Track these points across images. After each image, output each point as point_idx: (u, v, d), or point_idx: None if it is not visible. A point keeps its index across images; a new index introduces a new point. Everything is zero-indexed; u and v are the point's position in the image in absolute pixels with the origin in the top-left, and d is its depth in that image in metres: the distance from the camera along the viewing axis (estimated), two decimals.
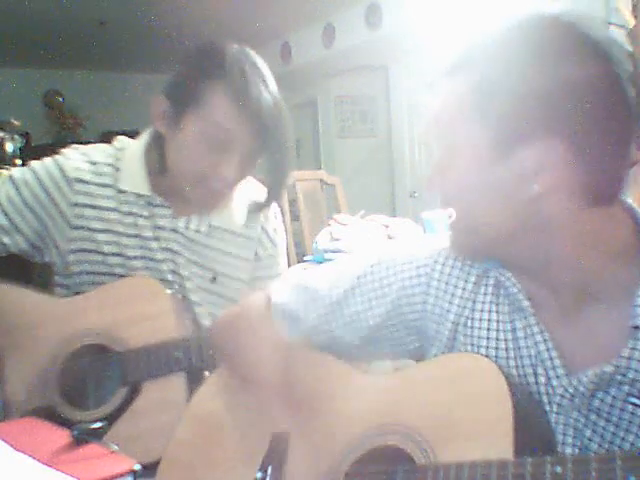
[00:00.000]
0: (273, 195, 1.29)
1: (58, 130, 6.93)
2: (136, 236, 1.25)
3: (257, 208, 1.32)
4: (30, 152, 4.66)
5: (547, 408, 0.74)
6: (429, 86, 0.78)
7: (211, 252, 1.30)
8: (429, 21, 4.71)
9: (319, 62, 6.03)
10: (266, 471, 0.79)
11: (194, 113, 1.16)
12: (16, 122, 3.22)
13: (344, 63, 6.04)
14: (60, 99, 7.00)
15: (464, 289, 0.83)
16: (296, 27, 5.93)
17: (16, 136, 3.12)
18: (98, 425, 0.81)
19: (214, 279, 1.30)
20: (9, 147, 3.05)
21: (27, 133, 5.42)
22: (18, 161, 3.07)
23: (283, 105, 1.21)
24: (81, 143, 1.35)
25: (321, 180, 3.59)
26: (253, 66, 1.18)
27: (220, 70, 1.15)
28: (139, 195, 1.25)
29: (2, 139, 3.03)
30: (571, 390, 0.72)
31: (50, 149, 1.38)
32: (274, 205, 1.39)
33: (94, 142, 1.32)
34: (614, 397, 0.71)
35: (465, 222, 0.76)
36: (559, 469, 0.60)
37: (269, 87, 1.18)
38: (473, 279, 0.82)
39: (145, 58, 6.32)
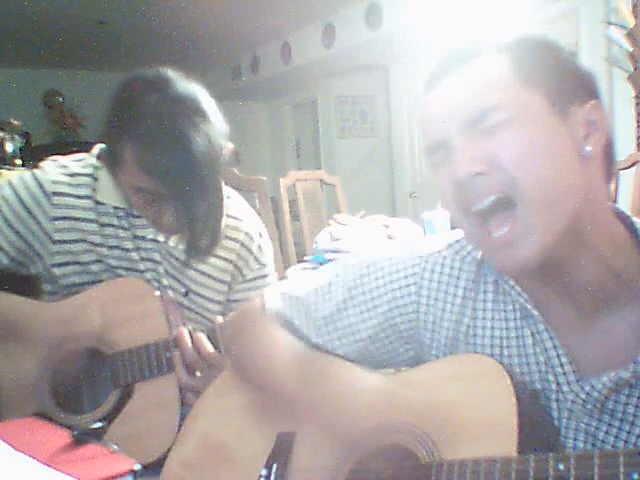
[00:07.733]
0: (210, 242, 1.18)
1: (58, 130, 6.93)
2: (117, 247, 1.24)
3: (197, 252, 1.19)
4: (30, 152, 4.67)
5: (556, 414, 0.74)
6: (433, 78, 0.75)
7: (186, 268, 1.28)
8: (429, 21, 4.72)
9: (319, 62, 6.03)
10: (270, 468, 0.79)
11: (122, 171, 1.14)
12: (16, 122, 3.22)
13: (344, 63, 6.04)
14: (60, 99, 7.00)
15: (455, 295, 0.82)
16: (296, 27, 5.93)
17: (16, 136, 3.13)
18: (98, 425, 0.81)
19: (186, 294, 1.29)
20: (9, 147, 3.06)
21: (27, 133, 5.42)
22: (18, 161, 3.08)
23: (219, 140, 1.13)
24: (81, 143, 1.35)
25: (321, 180, 3.59)
26: (176, 111, 1.08)
27: (131, 130, 1.09)
28: (117, 207, 1.24)
29: (2, 139, 3.04)
30: (583, 396, 0.72)
31: (50, 149, 1.37)
32: (258, 223, 1.37)
33: (94, 142, 1.31)
34: (628, 396, 0.71)
35: (538, 196, 0.69)
36: (562, 466, 0.60)
37: (198, 127, 1.09)
38: (464, 284, 0.82)
39: (145, 58, 6.31)
